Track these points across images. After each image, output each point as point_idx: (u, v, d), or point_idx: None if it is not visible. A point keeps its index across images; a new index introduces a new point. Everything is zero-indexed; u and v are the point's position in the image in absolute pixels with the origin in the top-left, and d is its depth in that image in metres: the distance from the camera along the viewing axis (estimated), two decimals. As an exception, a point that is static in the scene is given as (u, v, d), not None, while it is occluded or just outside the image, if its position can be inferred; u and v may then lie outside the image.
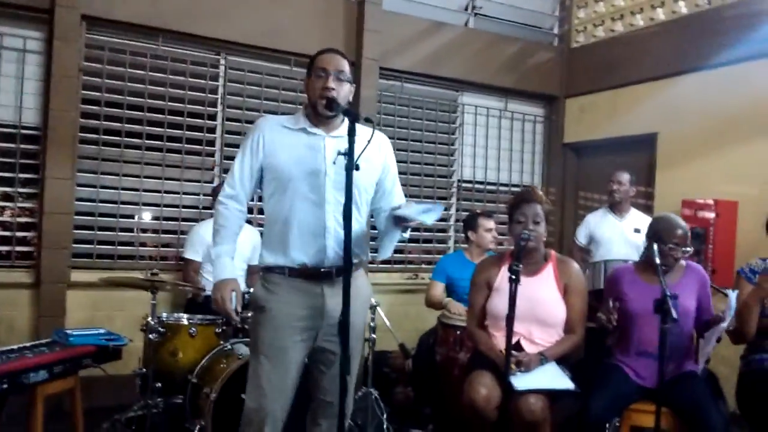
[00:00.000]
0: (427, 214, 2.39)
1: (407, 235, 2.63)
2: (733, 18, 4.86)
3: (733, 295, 2.93)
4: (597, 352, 3.39)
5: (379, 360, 4.53)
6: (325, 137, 2.52)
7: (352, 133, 2.21)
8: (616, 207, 4.81)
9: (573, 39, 6.44)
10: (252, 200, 2.76)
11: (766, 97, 4.64)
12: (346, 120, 2.51)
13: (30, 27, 4.41)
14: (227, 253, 2.56)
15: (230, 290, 2.51)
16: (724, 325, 2.92)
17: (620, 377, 3.07)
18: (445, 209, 6.01)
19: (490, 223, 4.39)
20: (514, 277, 2.60)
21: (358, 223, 2.53)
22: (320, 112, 2.48)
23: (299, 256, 2.48)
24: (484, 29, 6.10)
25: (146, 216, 4.85)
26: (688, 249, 3.10)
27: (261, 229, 2.77)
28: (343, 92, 2.51)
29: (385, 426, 3.98)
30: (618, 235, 4.69)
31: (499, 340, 3.06)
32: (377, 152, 2.57)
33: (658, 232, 3.10)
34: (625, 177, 4.76)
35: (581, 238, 5.00)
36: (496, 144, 6.25)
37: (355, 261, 2.45)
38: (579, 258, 4.90)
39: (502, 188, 6.25)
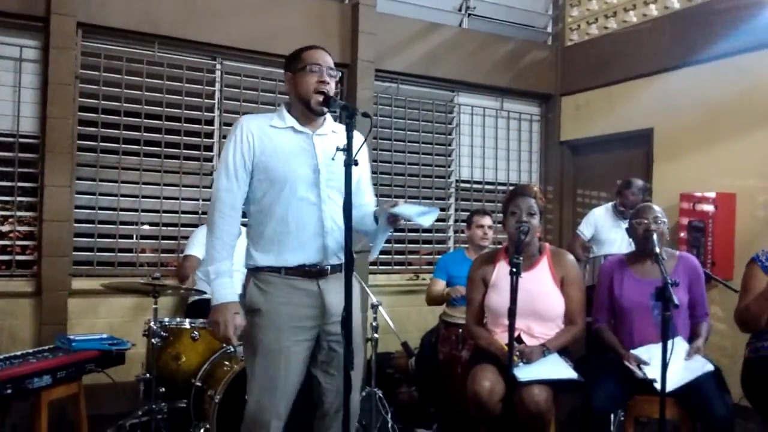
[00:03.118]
0: (423, 216, 2.40)
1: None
2: (725, 11, 4.89)
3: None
4: (598, 347, 3.39)
5: (382, 360, 4.53)
6: (312, 135, 2.51)
7: (350, 128, 2.21)
8: (622, 210, 4.81)
9: (567, 37, 6.47)
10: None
11: (760, 88, 4.67)
12: (329, 118, 2.56)
13: (26, 36, 4.42)
14: (227, 272, 2.42)
15: (233, 314, 2.39)
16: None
17: (622, 370, 3.06)
18: (444, 209, 6.03)
19: (483, 220, 4.40)
20: (515, 270, 2.62)
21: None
22: (314, 108, 2.46)
23: (297, 258, 2.45)
24: (478, 29, 6.12)
25: (145, 222, 4.84)
26: (659, 218, 3.13)
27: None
28: (333, 89, 2.51)
29: (390, 425, 3.98)
30: (621, 237, 4.70)
31: (500, 336, 3.07)
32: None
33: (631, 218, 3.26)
34: (639, 185, 4.74)
35: (585, 231, 5.01)
36: (493, 143, 6.27)
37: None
38: (580, 252, 4.91)
39: (500, 187, 6.26)
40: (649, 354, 2.96)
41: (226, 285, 2.41)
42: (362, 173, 2.66)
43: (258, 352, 2.44)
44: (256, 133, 2.46)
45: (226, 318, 2.37)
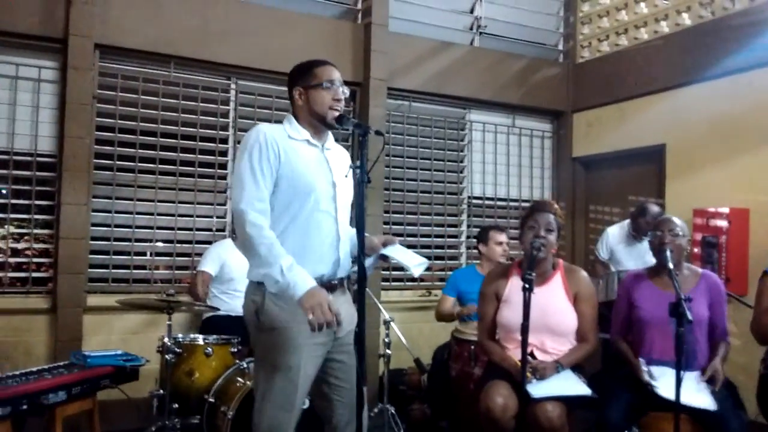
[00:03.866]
0: (416, 267, 2.57)
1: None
2: (736, 28, 4.90)
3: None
4: (612, 362, 3.38)
5: (394, 377, 4.53)
6: (323, 149, 2.55)
7: (363, 146, 2.26)
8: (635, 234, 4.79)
9: (578, 54, 6.49)
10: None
11: (772, 103, 4.67)
12: (329, 133, 2.60)
13: (45, 57, 4.51)
14: (295, 263, 2.30)
15: (326, 294, 2.30)
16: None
17: (637, 385, 3.05)
18: (456, 225, 6.04)
19: (501, 237, 4.39)
20: (527, 285, 2.62)
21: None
22: (329, 123, 2.49)
23: (317, 270, 2.44)
24: (489, 47, 6.16)
25: (160, 239, 4.89)
26: (676, 230, 3.11)
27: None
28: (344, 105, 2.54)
29: (402, 442, 3.97)
30: (636, 256, 4.67)
31: (512, 351, 3.07)
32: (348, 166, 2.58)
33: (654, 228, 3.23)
34: (654, 212, 4.64)
35: (602, 252, 4.99)
36: (505, 160, 6.29)
37: (349, 274, 2.55)
38: (600, 270, 4.87)
39: (512, 204, 6.27)
40: (660, 373, 2.95)
41: (302, 273, 2.29)
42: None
43: (276, 371, 2.40)
44: (280, 142, 2.42)
45: (324, 298, 2.26)
